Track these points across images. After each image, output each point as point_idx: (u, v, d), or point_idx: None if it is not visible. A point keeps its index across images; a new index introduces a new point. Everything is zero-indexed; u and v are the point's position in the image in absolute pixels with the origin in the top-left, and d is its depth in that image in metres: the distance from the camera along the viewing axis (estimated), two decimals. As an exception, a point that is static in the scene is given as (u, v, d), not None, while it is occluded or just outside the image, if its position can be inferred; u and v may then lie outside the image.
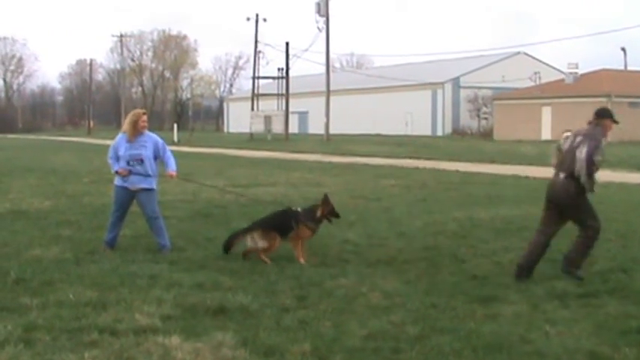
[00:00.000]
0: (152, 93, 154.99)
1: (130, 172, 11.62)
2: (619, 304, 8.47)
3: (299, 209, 11.41)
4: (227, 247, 11.24)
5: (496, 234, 13.42)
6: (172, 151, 12.33)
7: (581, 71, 75.89)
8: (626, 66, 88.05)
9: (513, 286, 9.29)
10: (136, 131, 11.67)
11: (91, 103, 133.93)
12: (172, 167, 11.92)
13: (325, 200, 11.28)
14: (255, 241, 10.94)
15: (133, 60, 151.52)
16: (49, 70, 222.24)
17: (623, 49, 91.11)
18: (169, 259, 10.94)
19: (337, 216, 11.43)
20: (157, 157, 11.84)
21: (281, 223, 11.08)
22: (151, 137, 11.84)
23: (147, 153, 11.68)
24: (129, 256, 11.15)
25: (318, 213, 11.17)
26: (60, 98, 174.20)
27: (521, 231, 13.64)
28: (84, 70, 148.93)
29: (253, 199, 16.94)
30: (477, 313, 8.09)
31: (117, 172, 11.73)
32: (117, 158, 11.72)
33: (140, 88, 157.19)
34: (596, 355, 6.76)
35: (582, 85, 70.97)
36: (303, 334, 7.33)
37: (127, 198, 11.87)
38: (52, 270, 10.16)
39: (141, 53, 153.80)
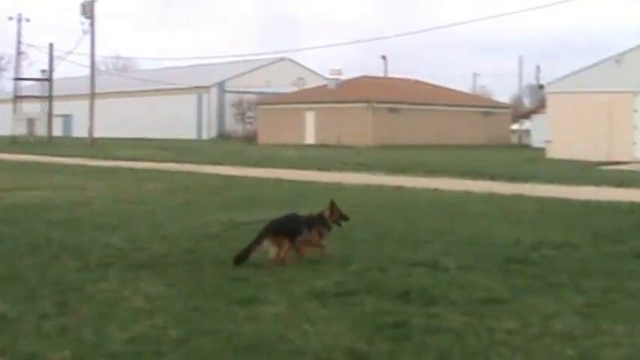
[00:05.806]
0: None
1: None
2: (375, 301, 8.76)
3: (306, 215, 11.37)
4: (241, 259, 10.75)
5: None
6: None
7: (344, 77, 78.41)
8: (386, 73, 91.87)
9: (274, 287, 9.44)
10: None
11: None
12: None
13: (332, 206, 11.28)
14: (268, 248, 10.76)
15: None
16: None
17: (384, 57, 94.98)
18: None
19: (346, 218, 11.50)
20: None
21: (289, 227, 10.94)
22: None
23: None
24: None
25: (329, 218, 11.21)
26: None
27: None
28: None
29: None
30: (238, 315, 8.14)
31: None
32: None
33: None
34: (352, 350, 6.96)
35: (344, 91, 73.31)
36: (64, 341, 7.14)
37: None
38: None
39: None
